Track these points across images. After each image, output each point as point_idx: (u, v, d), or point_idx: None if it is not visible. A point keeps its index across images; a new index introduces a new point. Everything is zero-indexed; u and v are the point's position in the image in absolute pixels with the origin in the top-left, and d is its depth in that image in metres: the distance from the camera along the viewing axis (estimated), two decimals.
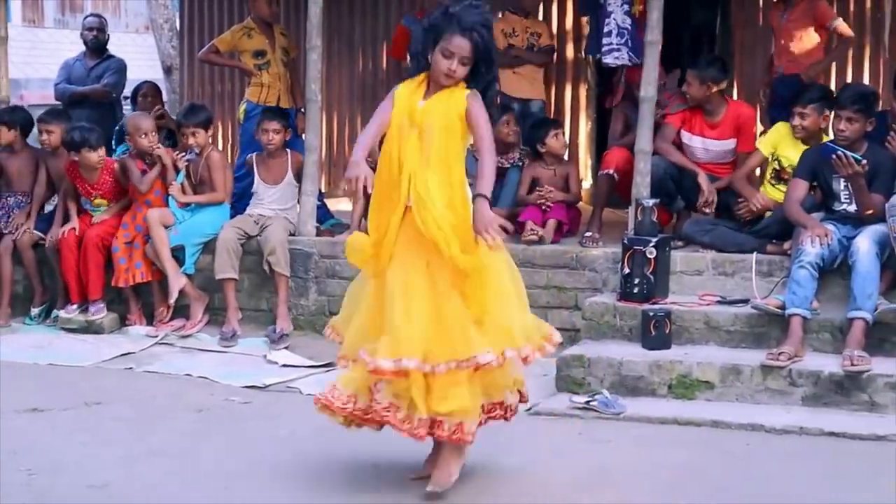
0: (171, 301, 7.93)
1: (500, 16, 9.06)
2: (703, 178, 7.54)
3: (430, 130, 4.75)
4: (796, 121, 7.19)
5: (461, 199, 4.75)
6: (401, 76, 11.12)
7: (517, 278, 4.88)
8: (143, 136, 8.17)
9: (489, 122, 4.82)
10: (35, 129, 8.78)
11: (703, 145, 7.73)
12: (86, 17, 10.74)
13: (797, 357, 6.27)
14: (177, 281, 7.91)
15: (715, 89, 7.61)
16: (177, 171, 8.19)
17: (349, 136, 11.57)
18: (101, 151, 8.22)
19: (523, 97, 9.10)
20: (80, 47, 10.44)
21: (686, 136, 7.76)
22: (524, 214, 7.85)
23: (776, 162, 7.38)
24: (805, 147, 7.14)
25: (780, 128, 7.40)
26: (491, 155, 4.80)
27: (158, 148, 8.20)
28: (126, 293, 8.13)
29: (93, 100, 9.96)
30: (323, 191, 8.98)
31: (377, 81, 11.35)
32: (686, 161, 7.68)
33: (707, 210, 7.54)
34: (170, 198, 8.15)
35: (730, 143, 7.68)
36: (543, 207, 7.86)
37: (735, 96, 9.77)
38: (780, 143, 7.36)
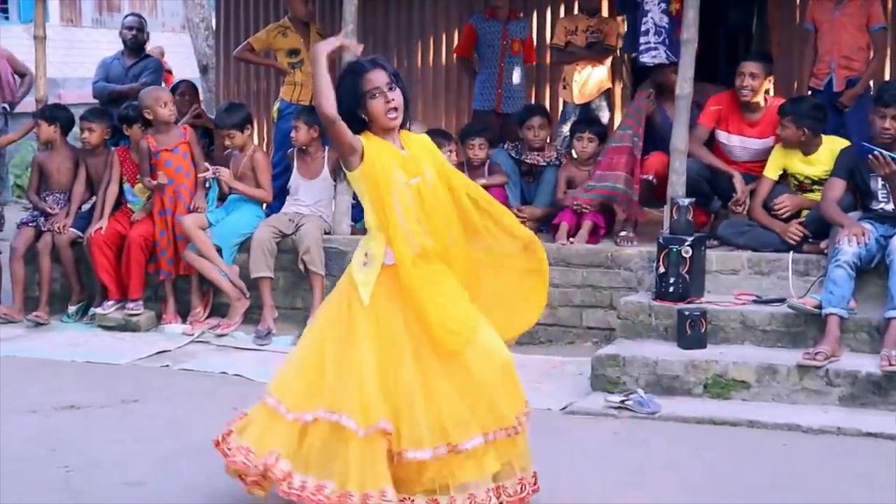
0: (245, 295, 7.98)
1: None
2: (738, 180, 7.46)
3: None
4: (778, 129, 7.27)
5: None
6: (432, 76, 11.35)
7: None
8: (164, 105, 8.19)
9: None
10: (76, 128, 8.85)
11: (743, 144, 7.65)
12: (126, 17, 10.77)
13: (834, 357, 6.23)
14: (232, 270, 7.99)
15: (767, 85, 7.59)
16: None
17: None
18: None
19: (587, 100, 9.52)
20: (117, 47, 10.48)
21: (724, 136, 7.68)
22: (560, 216, 7.82)
23: (793, 178, 7.34)
24: (809, 155, 7.16)
25: (778, 149, 7.36)
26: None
27: (159, 178, 8.13)
28: (165, 291, 8.19)
29: (130, 99, 10.00)
30: None
31: (411, 80, 11.36)
32: (720, 163, 7.62)
33: (738, 209, 7.48)
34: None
35: (769, 142, 7.56)
36: (578, 211, 7.80)
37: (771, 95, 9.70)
38: (787, 163, 7.33)
